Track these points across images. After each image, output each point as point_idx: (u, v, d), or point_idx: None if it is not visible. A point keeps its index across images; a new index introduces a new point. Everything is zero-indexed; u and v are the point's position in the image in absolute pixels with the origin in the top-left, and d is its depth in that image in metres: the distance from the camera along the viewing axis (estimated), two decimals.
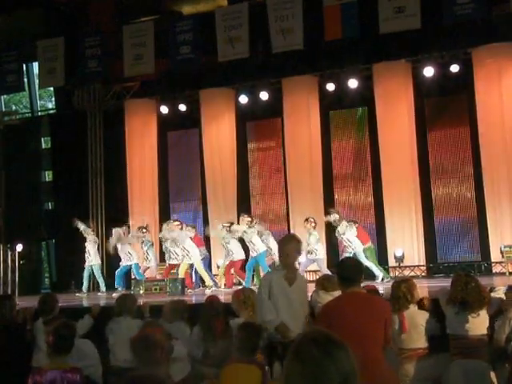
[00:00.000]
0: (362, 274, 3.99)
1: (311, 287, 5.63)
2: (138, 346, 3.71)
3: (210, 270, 12.33)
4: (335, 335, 1.84)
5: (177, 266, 11.24)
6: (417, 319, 5.00)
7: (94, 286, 14.14)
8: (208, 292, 9.93)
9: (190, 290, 10.87)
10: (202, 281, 11.50)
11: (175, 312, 5.47)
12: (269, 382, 4.24)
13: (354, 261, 4.74)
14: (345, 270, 3.95)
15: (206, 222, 12.74)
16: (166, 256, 11.47)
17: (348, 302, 3.83)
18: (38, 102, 17.82)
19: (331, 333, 1.86)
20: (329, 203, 12.96)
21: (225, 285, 11.03)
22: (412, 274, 11.84)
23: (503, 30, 11.63)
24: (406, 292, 5.02)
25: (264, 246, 10.86)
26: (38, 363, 4.95)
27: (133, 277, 12.95)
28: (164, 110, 14.44)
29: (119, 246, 11.95)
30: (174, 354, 4.23)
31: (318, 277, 6.69)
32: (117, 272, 11.95)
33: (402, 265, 12.21)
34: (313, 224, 10.95)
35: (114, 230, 12.11)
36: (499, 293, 5.00)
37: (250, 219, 11.04)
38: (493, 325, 4.78)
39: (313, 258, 10.87)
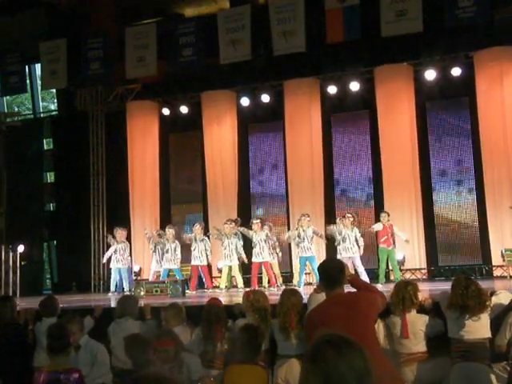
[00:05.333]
0: (344, 274, 3.71)
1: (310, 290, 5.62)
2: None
3: (211, 273, 12.35)
4: (350, 337, 1.88)
5: (201, 266, 11.38)
6: (416, 324, 4.99)
7: (97, 288, 14.18)
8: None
9: (210, 290, 11.25)
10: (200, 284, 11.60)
11: (176, 317, 5.46)
12: None
13: (335, 261, 4.40)
14: (327, 272, 3.72)
15: (206, 223, 12.71)
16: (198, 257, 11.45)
17: (332, 306, 3.58)
18: (41, 104, 17.84)
19: (345, 335, 1.90)
20: (330, 206, 12.97)
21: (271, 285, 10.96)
22: (413, 277, 11.85)
23: (505, 34, 11.63)
24: (413, 294, 5.00)
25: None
26: (39, 363, 4.98)
27: (133, 278, 12.99)
28: (166, 112, 14.47)
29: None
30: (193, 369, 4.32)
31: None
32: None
33: (402, 268, 12.19)
34: (351, 219, 10.62)
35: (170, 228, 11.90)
36: (500, 297, 4.98)
37: (309, 219, 11.09)
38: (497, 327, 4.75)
39: (349, 256, 10.36)
